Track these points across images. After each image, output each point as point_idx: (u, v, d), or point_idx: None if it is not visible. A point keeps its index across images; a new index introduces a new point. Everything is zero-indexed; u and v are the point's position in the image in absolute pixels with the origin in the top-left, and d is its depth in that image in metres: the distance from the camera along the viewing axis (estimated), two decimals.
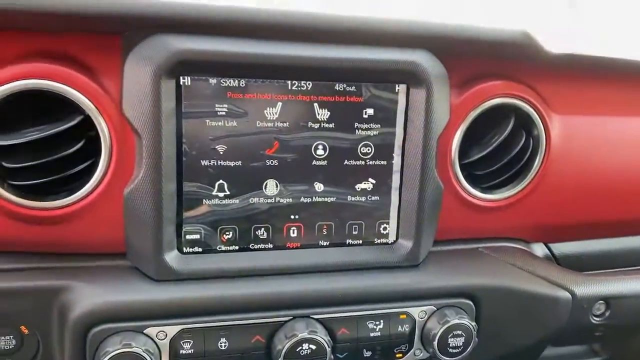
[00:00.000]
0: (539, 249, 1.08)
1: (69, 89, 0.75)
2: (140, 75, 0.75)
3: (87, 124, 0.78)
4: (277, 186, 0.86)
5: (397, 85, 0.86)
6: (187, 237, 0.84)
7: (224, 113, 0.81)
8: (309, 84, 0.83)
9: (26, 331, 0.80)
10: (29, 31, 0.76)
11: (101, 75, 0.78)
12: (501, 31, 0.87)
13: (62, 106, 0.77)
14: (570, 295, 0.96)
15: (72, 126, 0.77)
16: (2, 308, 0.78)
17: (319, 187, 0.88)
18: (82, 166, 0.78)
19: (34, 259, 0.82)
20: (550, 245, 1.09)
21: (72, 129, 0.77)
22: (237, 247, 0.86)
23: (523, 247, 1.05)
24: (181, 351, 0.81)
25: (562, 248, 1.09)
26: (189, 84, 0.78)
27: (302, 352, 0.82)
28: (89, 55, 0.78)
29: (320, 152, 0.86)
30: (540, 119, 0.96)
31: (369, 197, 0.90)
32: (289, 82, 0.82)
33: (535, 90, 0.95)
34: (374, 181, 0.90)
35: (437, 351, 0.89)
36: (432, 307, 0.91)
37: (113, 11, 0.72)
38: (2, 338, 0.80)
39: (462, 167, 0.95)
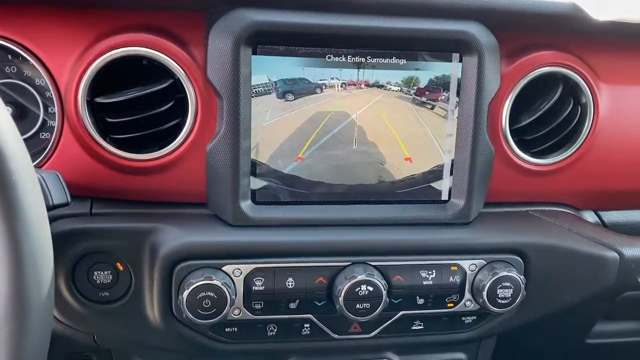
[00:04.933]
0: (589, 217, 1.12)
1: (164, 56, 0.88)
2: (222, 45, 0.86)
3: (176, 88, 0.90)
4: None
5: (451, 54, 0.94)
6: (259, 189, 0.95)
7: None
8: (369, 57, 0.92)
9: (121, 268, 0.93)
10: (134, 9, 0.89)
11: (190, 45, 0.90)
12: (550, 3, 0.93)
13: (154, 72, 0.90)
14: (618, 256, 1.00)
15: (164, 89, 0.89)
16: (103, 246, 0.91)
17: None
18: (171, 123, 0.91)
19: (130, 205, 0.95)
20: (601, 213, 1.12)
21: (163, 92, 0.89)
22: (302, 201, 0.96)
23: (572, 212, 1.10)
24: (254, 287, 0.91)
25: (613, 216, 1.13)
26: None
27: (360, 293, 0.91)
28: (180, 29, 0.90)
29: None
30: (588, 87, 1.00)
31: None
32: (351, 50, 0.91)
33: (584, 60, 1.00)
34: None
35: (487, 301, 0.95)
36: (482, 260, 0.97)
37: None
38: (102, 273, 0.93)
39: (513, 133, 1.01)
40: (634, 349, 1.42)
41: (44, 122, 0.93)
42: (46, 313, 0.65)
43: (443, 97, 0.96)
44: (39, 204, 0.66)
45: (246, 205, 0.93)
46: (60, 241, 0.89)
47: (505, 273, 0.95)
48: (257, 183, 0.94)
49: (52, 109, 0.92)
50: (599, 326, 1.35)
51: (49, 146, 0.92)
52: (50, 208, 0.77)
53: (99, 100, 0.88)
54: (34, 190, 0.65)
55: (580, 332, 1.35)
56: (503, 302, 0.96)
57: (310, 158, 0.95)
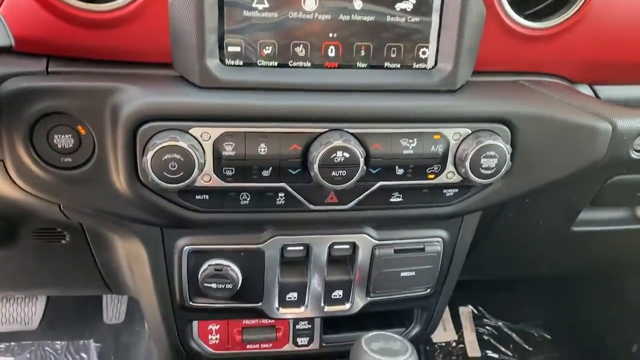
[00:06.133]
0: (584, 90, 1.06)
1: None
2: None
3: None
4: (316, 1, 0.87)
5: None
6: (229, 49, 0.87)
7: None
8: None
9: (83, 132, 0.87)
10: None
11: None
12: None
13: None
14: (610, 126, 0.95)
15: None
16: (60, 107, 0.84)
17: (357, 4, 0.88)
18: None
19: (89, 64, 0.88)
20: (596, 87, 1.06)
21: None
22: (276, 63, 0.89)
23: (566, 84, 1.03)
24: (224, 152, 0.86)
25: (608, 91, 1.06)
26: None
27: (336, 160, 0.86)
28: None
29: None
30: None
31: (409, 18, 0.90)
32: None
33: None
34: (414, 1, 0.89)
35: (469, 171, 0.91)
36: (467, 129, 0.92)
37: None
38: (63, 137, 0.87)
39: None
40: (618, 236, 1.41)
41: None
42: None
43: None
44: None
45: (214, 64, 0.85)
46: (14, 100, 0.83)
47: (490, 142, 0.90)
48: (226, 41, 0.86)
49: None
50: (585, 213, 1.33)
51: None
52: None
53: None
54: None
55: (566, 219, 1.33)
56: (486, 172, 0.91)
57: (283, 14, 0.87)
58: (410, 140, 0.91)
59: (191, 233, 1.02)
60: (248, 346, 1.22)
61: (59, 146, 0.87)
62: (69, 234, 1.13)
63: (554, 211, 1.28)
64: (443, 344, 2.29)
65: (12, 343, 2.06)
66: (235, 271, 1.04)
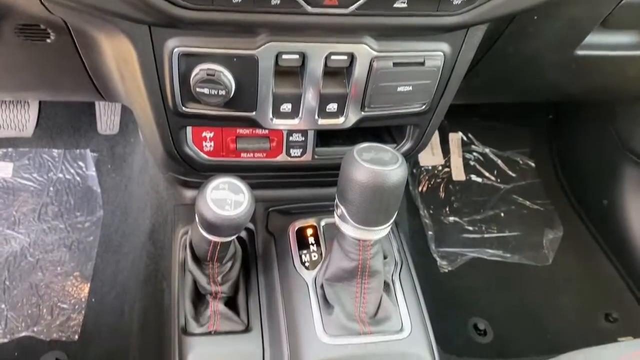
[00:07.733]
0: None
1: None
2: None
3: None
4: None
5: None
6: None
7: None
8: None
9: None
10: None
11: None
12: None
13: None
14: None
15: None
16: None
17: None
18: None
19: None
20: None
21: None
22: None
23: None
24: None
25: None
26: None
27: None
28: None
29: None
30: None
31: None
32: None
33: None
34: None
35: None
36: None
37: None
38: None
39: None
40: (621, 63, 1.38)
41: None
42: None
43: None
44: None
45: None
46: None
47: None
48: None
49: None
50: (591, 37, 1.28)
51: None
52: None
53: None
54: None
55: (572, 40, 1.28)
56: None
57: None
58: None
59: (181, 34, 0.97)
60: (242, 154, 1.24)
61: None
62: (53, 32, 1.07)
63: (562, 31, 1.22)
64: (430, 167, 2.37)
65: (10, 149, 2.10)
66: (228, 77, 1.01)
